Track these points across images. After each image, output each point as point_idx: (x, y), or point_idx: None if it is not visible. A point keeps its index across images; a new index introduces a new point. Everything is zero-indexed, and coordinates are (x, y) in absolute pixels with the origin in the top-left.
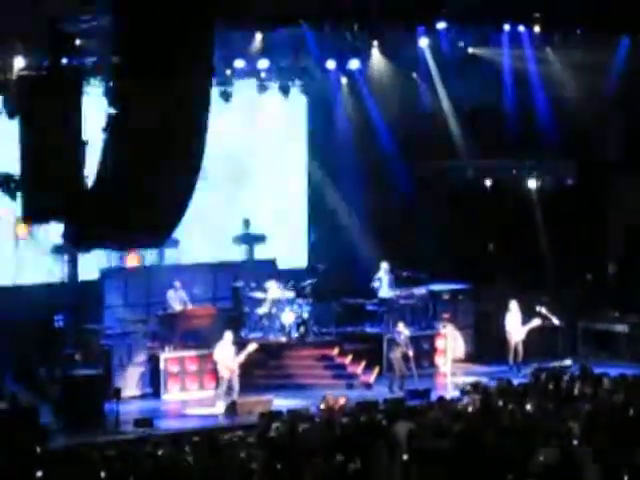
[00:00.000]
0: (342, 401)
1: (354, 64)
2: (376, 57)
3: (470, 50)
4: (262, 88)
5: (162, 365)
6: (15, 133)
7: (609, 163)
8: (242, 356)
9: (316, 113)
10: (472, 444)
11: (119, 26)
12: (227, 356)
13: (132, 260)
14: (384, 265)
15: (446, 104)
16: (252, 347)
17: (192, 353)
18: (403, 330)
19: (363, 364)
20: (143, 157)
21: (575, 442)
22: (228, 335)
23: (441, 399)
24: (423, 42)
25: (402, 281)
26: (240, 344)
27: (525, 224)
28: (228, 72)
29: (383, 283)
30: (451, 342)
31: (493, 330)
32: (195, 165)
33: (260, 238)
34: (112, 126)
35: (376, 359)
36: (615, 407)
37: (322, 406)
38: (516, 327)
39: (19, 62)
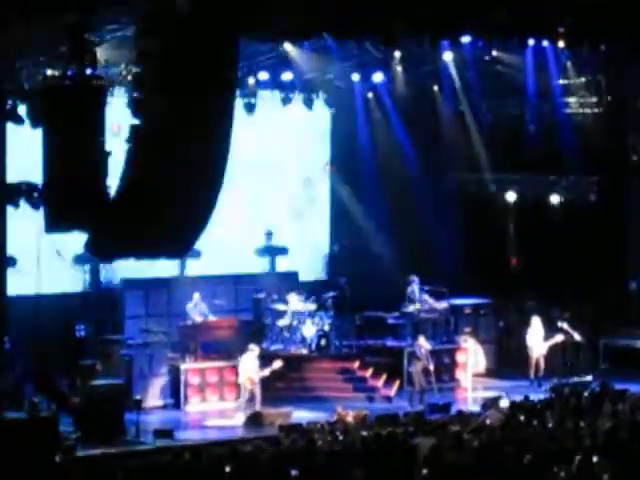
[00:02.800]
0: (352, 414)
1: (378, 77)
2: (399, 71)
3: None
4: (286, 100)
5: (183, 376)
6: (39, 143)
7: (628, 180)
8: (267, 371)
9: (340, 126)
10: (492, 459)
11: (144, 40)
12: (251, 368)
13: None
14: (414, 278)
15: (469, 118)
16: (277, 364)
17: (213, 364)
18: (424, 344)
19: (384, 377)
20: (166, 168)
21: (595, 459)
22: (254, 348)
23: (461, 413)
24: (447, 56)
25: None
26: (264, 357)
27: (547, 239)
28: (252, 83)
29: (416, 295)
30: (472, 356)
31: (514, 345)
32: (218, 178)
33: (282, 250)
34: (135, 137)
35: (397, 372)
36: (636, 424)
37: (335, 419)
38: (538, 342)
39: (44, 71)
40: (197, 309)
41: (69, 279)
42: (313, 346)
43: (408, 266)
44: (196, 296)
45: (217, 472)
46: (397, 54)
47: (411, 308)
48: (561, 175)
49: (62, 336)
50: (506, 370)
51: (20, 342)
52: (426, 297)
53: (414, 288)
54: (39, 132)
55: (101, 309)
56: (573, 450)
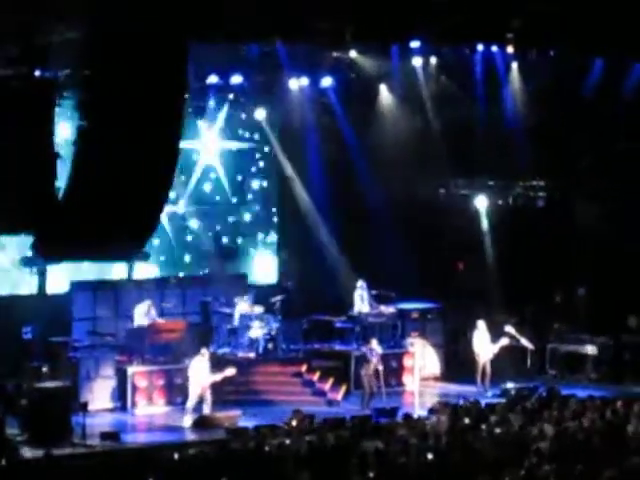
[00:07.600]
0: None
1: (327, 81)
2: (351, 75)
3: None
4: (235, 104)
5: (130, 379)
6: None
7: (579, 185)
8: (218, 377)
9: (289, 128)
10: (439, 463)
11: (91, 41)
12: (202, 372)
13: None
14: (362, 283)
15: (419, 123)
16: (230, 372)
17: (160, 367)
18: (376, 347)
19: (331, 381)
20: (113, 170)
21: (541, 464)
22: (204, 351)
23: (408, 417)
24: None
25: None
26: (214, 360)
27: (495, 244)
28: (201, 87)
29: (364, 300)
30: (419, 360)
31: (462, 349)
32: (166, 179)
33: (231, 253)
34: (82, 139)
35: (344, 376)
36: (582, 429)
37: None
38: (484, 347)
39: None
40: (146, 312)
41: (16, 281)
42: (260, 349)
43: (356, 270)
44: (148, 302)
45: (161, 475)
46: (348, 58)
47: (358, 312)
48: (509, 181)
49: (9, 338)
50: (454, 374)
51: None
52: (373, 302)
53: (362, 293)
54: None
55: (48, 311)
56: (520, 455)
